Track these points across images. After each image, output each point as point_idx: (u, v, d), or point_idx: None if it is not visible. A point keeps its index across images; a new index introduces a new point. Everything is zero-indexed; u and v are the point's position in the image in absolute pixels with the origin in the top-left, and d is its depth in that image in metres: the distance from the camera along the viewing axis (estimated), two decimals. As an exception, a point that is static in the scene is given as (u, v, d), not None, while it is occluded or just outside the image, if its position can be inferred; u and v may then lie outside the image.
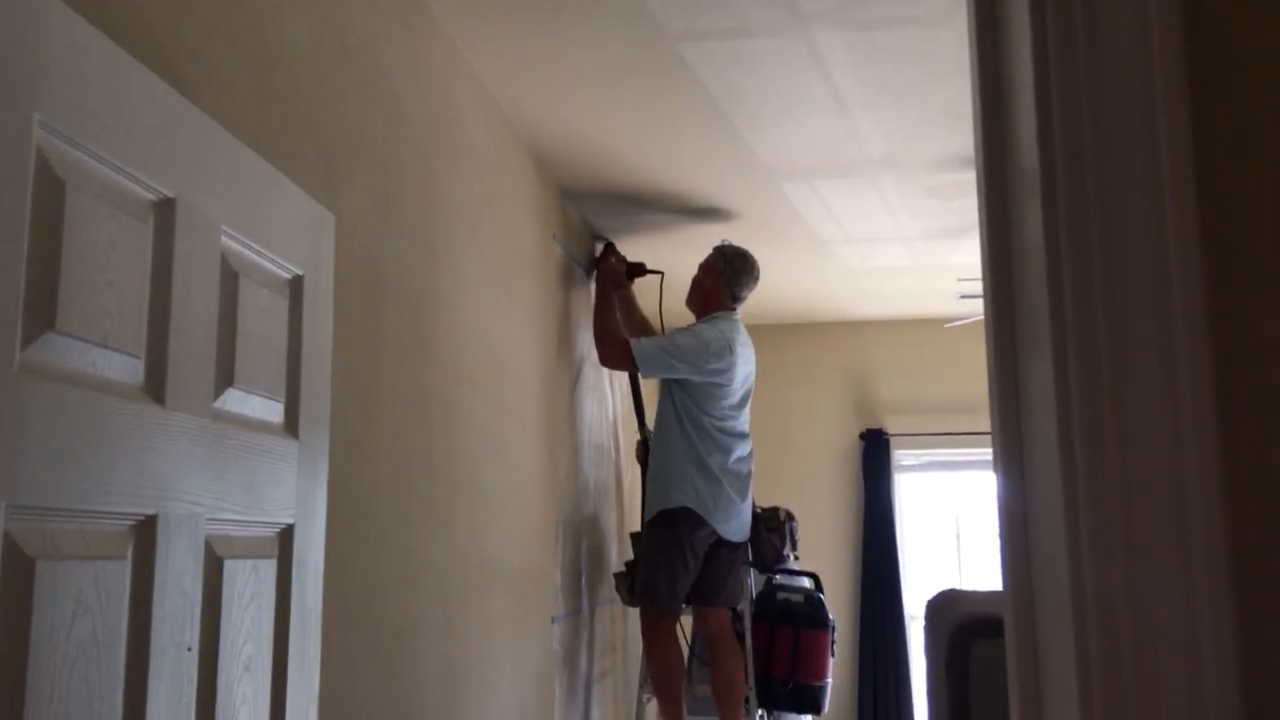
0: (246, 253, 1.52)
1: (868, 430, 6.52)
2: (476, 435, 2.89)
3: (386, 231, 2.30)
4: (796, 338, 6.50)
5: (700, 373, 3.83)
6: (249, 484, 1.49)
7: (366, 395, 2.15)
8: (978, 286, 4.08)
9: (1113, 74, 0.90)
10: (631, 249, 4.50)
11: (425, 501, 2.47)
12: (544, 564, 3.61)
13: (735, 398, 3.94)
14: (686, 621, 4.22)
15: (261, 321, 1.55)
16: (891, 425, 6.52)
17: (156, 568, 1.26)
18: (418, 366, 2.46)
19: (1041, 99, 0.92)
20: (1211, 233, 0.87)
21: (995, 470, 1.04)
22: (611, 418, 4.87)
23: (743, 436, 3.97)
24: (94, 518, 1.18)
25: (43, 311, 1.10)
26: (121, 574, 1.22)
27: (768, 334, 5.52)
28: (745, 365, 3.96)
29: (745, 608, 4.12)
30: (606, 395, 4.79)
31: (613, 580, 4.44)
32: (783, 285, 5.45)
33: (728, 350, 3.85)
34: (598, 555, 4.43)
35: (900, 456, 6.59)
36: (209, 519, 1.38)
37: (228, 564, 1.43)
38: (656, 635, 3.89)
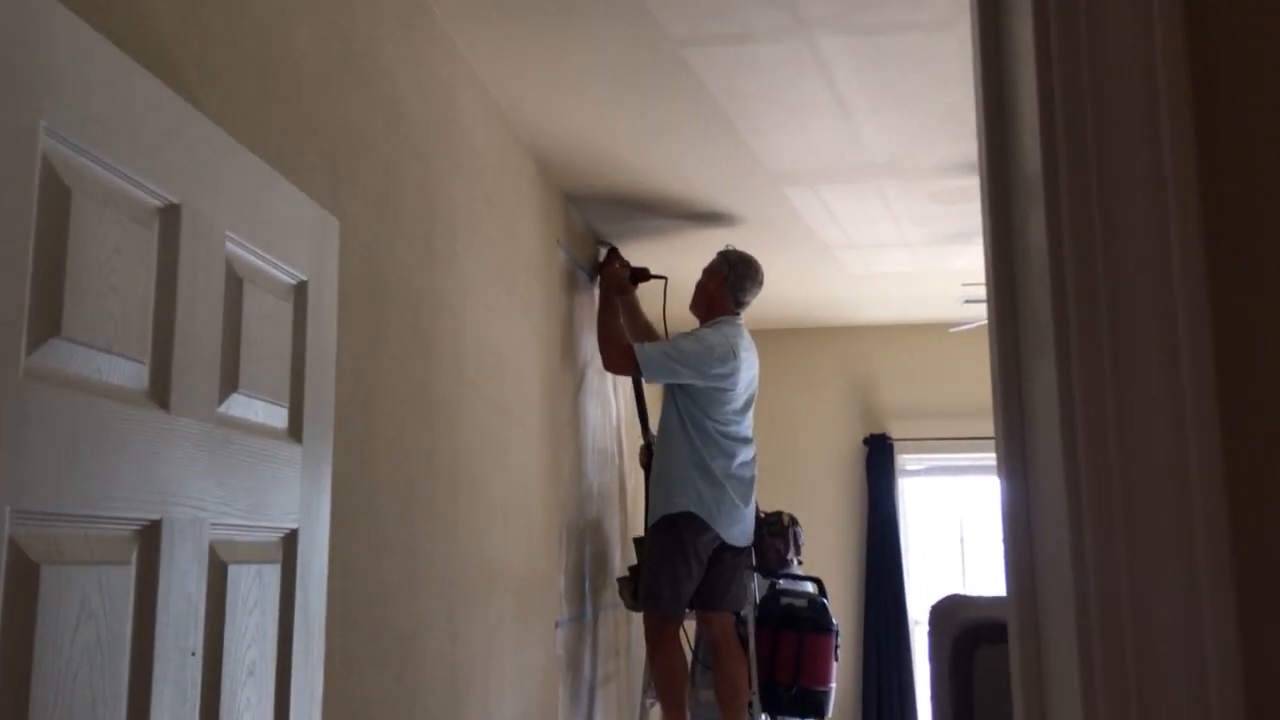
0: (251, 258, 1.52)
1: (871, 435, 6.51)
2: (479, 439, 2.89)
3: (389, 235, 2.31)
4: (800, 342, 6.50)
5: (704, 377, 3.83)
6: (253, 489, 1.50)
7: (369, 399, 2.15)
8: (981, 291, 4.08)
9: (1115, 78, 0.90)
10: (635, 254, 4.50)
11: (428, 505, 2.47)
12: (547, 568, 3.61)
13: (739, 402, 3.94)
14: (690, 626, 4.22)
15: (265, 327, 1.55)
16: (895, 430, 6.51)
17: (161, 573, 1.26)
18: (420, 370, 2.46)
19: (1044, 104, 0.92)
20: (1214, 235, 0.87)
21: (999, 474, 1.04)
22: (615, 422, 4.88)
23: (746, 441, 3.97)
24: (98, 523, 1.18)
25: (48, 317, 1.10)
26: (126, 579, 1.22)
27: (771, 339, 5.52)
28: (749, 370, 3.97)
29: (749, 612, 4.12)
30: (610, 400, 4.79)
31: (616, 585, 4.44)
32: (786, 290, 5.45)
33: (731, 355, 3.85)
34: (601, 560, 4.43)
35: (904, 461, 6.59)
36: (213, 524, 1.39)
37: (232, 569, 1.43)
38: (660, 640, 3.89)
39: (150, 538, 1.25)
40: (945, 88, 3.08)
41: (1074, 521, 0.87)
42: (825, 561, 5.87)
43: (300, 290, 1.68)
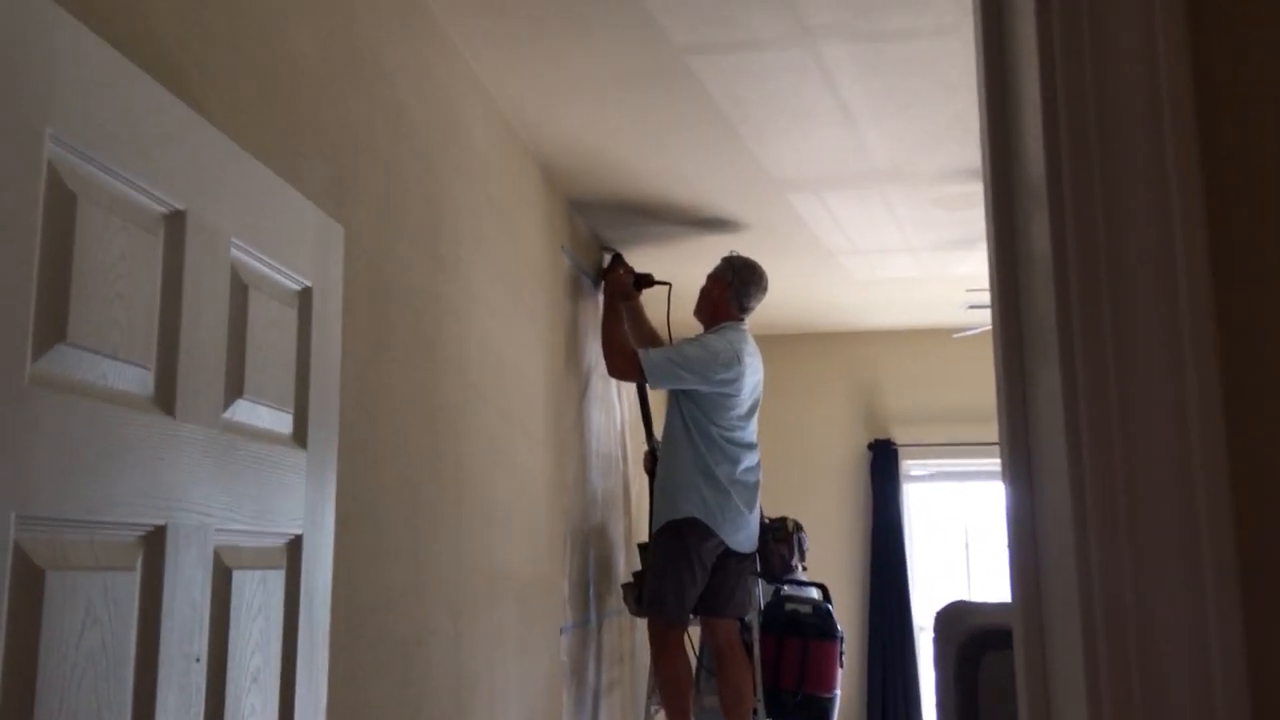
0: (256, 264, 1.52)
1: (876, 440, 6.51)
2: (484, 445, 2.89)
3: (393, 241, 2.31)
4: (804, 348, 6.50)
5: (708, 383, 3.84)
6: (258, 495, 1.50)
7: (374, 405, 2.15)
8: (985, 296, 4.08)
9: (1119, 83, 0.90)
10: (639, 260, 4.51)
11: (433, 511, 2.47)
12: (552, 574, 3.61)
13: (743, 408, 3.94)
14: (695, 632, 4.21)
15: (270, 333, 1.56)
16: (900, 435, 6.51)
17: (165, 578, 1.26)
18: (425, 376, 2.47)
19: (1048, 108, 0.92)
20: (1218, 239, 0.87)
21: (1003, 479, 1.04)
22: (619, 428, 4.88)
23: (750, 447, 3.97)
24: (103, 528, 1.18)
25: (54, 323, 1.10)
26: (130, 584, 1.22)
27: (776, 344, 5.52)
28: (753, 375, 3.96)
29: (753, 618, 4.11)
30: (614, 405, 4.79)
31: (620, 591, 4.44)
32: (790, 296, 5.45)
33: (736, 361, 3.85)
34: (605, 566, 4.43)
35: (909, 467, 6.58)
36: (218, 530, 1.39)
37: (236, 575, 1.43)
38: (664, 646, 3.88)
39: (155, 543, 1.26)
40: (948, 93, 3.08)
41: (1079, 526, 0.87)
42: (830, 567, 5.87)
43: (305, 296, 1.68)
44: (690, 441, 3.88)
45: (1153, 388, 0.86)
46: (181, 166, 1.33)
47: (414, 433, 2.37)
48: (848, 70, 2.94)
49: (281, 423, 1.60)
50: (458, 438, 2.68)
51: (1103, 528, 0.86)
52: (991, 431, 1.15)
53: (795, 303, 5.70)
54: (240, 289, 1.47)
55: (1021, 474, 1.01)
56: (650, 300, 4.40)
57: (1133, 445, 0.86)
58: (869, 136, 3.43)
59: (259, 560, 1.51)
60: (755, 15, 2.64)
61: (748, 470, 3.93)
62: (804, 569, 4.44)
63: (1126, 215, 0.88)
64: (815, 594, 4.32)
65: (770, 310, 4.63)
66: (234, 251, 1.45)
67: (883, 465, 6.45)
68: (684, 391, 3.92)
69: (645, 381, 4.03)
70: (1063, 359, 0.89)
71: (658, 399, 4.47)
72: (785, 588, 4.28)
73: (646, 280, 4.31)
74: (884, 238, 4.57)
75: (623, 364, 3.99)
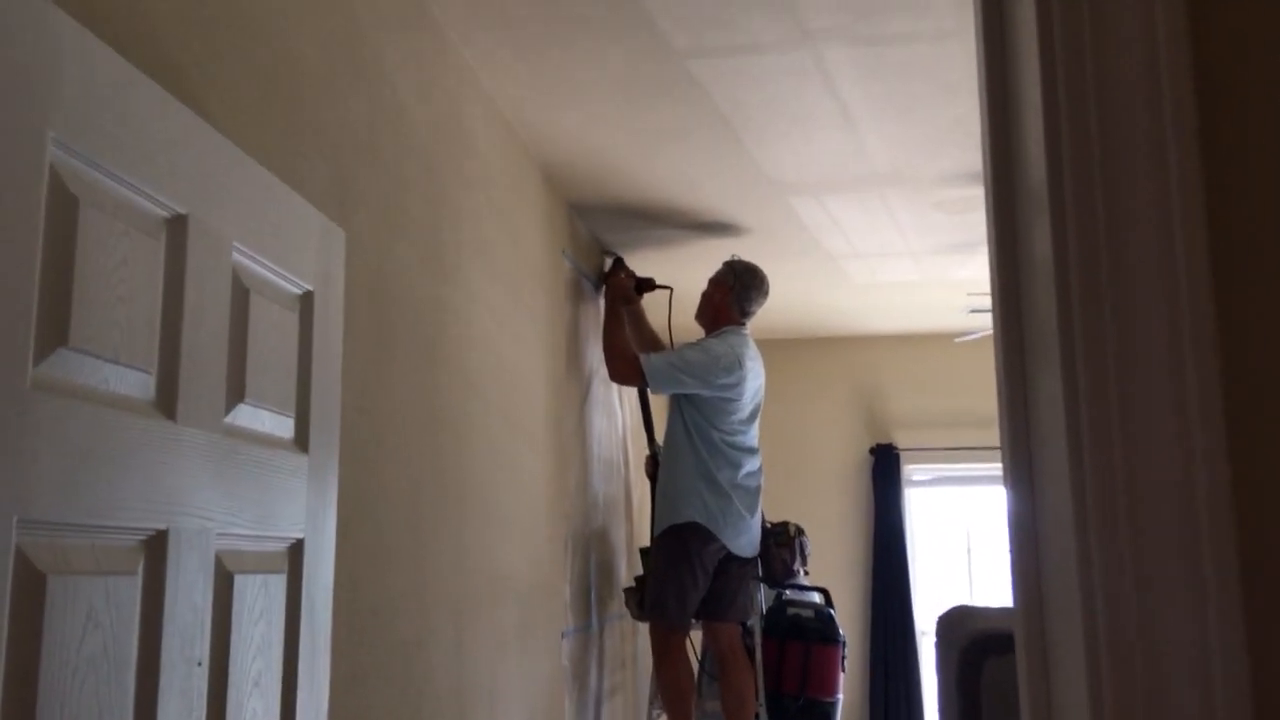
0: (257, 269, 1.52)
1: (878, 445, 6.51)
2: (486, 449, 2.89)
3: (394, 245, 2.31)
4: (806, 352, 6.50)
5: (710, 387, 3.83)
6: (259, 499, 1.50)
7: (376, 410, 2.15)
8: (986, 301, 4.08)
9: (1121, 88, 0.90)
10: (640, 264, 4.51)
11: (435, 516, 2.47)
12: (553, 579, 3.60)
13: (745, 413, 3.94)
14: (697, 637, 4.21)
15: (272, 337, 1.56)
16: (901, 440, 6.50)
17: (167, 583, 1.26)
18: (427, 381, 2.47)
19: (1049, 112, 0.92)
20: (1219, 243, 0.87)
21: (1005, 484, 1.04)
22: (621, 432, 4.87)
23: (752, 451, 3.97)
24: (105, 533, 1.18)
25: (55, 327, 1.10)
26: (132, 589, 1.22)
27: (777, 349, 5.52)
28: (755, 380, 3.96)
29: (755, 623, 4.11)
30: (616, 410, 4.79)
31: (622, 595, 4.43)
32: (792, 300, 5.45)
33: (737, 365, 3.85)
34: (607, 570, 4.42)
35: (910, 471, 6.58)
36: (219, 534, 1.39)
37: (238, 579, 1.43)
38: (666, 651, 3.88)
39: (157, 548, 1.26)
40: (949, 97, 3.08)
41: (1080, 530, 0.87)
42: (832, 572, 5.86)
43: (306, 300, 1.68)
44: (692, 446, 3.88)
45: (1154, 391, 0.86)
46: (183, 170, 1.33)
47: (415, 437, 2.37)
48: (848, 74, 2.94)
49: (283, 427, 1.60)
50: (459, 442, 2.68)
51: (1104, 531, 0.86)
52: (993, 436, 1.15)
53: (796, 307, 5.70)
54: (242, 293, 1.47)
55: (1023, 478, 1.01)
56: (651, 304, 4.40)
57: (1134, 449, 0.86)
58: (870, 140, 3.43)
59: (260, 564, 1.51)
60: (756, 19, 2.64)
61: (749, 475, 3.93)
62: (806, 573, 4.43)
63: (1128, 219, 0.88)
64: (817, 598, 4.31)
65: (771, 314, 4.63)
66: (235, 255, 1.46)
67: (884, 470, 6.45)
68: (685, 396, 3.91)
69: (646, 386, 4.03)
70: (1064, 363, 0.89)
71: (659, 403, 4.46)
72: (787, 592, 4.28)
73: (648, 284, 4.32)
74: (885, 241, 4.57)
75: (624, 368, 3.99)
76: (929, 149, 3.51)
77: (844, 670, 4.20)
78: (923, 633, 6.27)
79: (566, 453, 3.86)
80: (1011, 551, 1.03)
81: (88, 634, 1.13)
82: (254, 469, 1.48)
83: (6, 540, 1.02)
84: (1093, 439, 0.87)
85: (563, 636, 3.67)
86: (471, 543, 2.73)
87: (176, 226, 1.32)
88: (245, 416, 1.48)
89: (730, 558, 3.87)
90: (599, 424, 4.44)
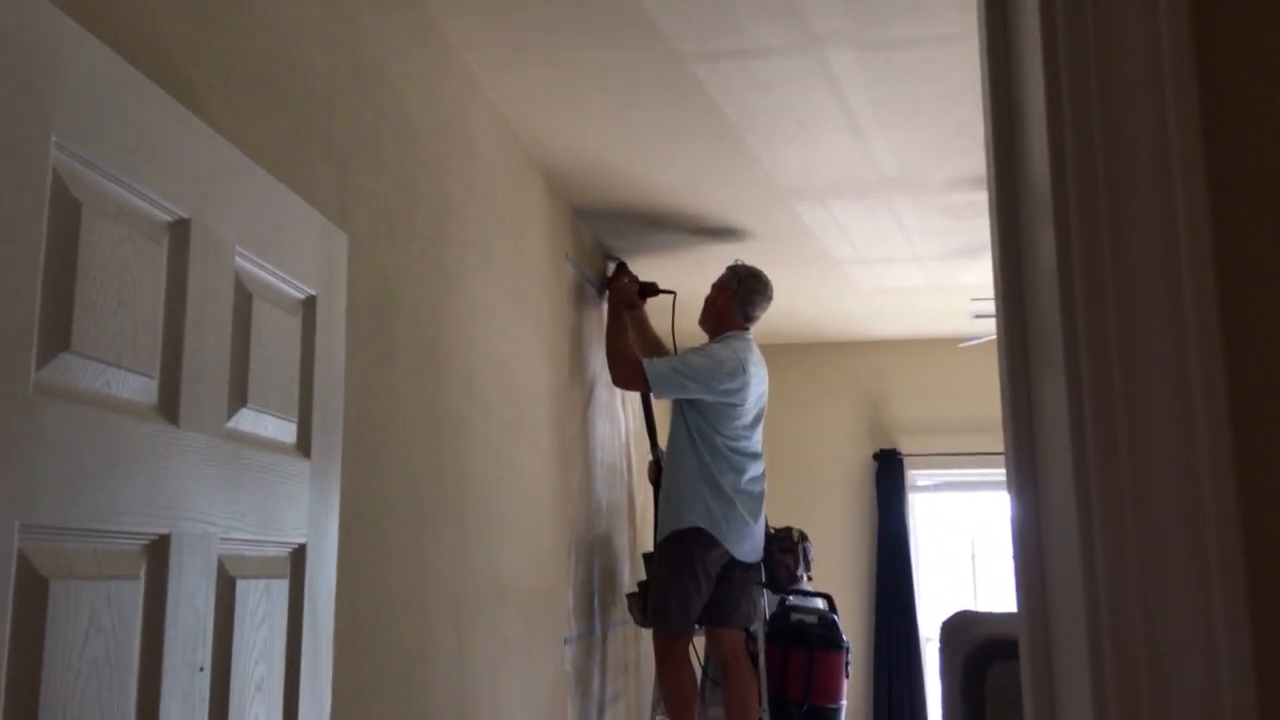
0: (260, 273, 1.52)
1: (882, 450, 6.50)
2: (489, 455, 2.89)
3: (398, 250, 2.31)
4: (810, 357, 6.49)
5: (713, 392, 3.83)
6: (261, 504, 1.50)
7: (378, 415, 2.15)
8: (991, 306, 4.07)
9: (1124, 91, 0.90)
10: (644, 269, 4.51)
11: (437, 521, 2.47)
12: (556, 585, 3.60)
13: (748, 418, 3.93)
14: (700, 643, 4.20)
15: (274, 341, 1.56)
16: (905, 445, 6.50)
17: (169, 587, 1.26)
18: (429, 385, 2.47)
19: (1053, 117, 0.92)
20: (1223, 249, 0.87)
21: (1009, 490, 1.04)
22: (624, 437, 4.87)
23: (755, 456, 3.96)
24: (107, 537, 1.18)
25: (58, 332, 1.10)
26: (134, 593, 1.22)
27: (781, 353, 5.52)
28: (758, 385, 3.96)
29: (758, 629, 4.10)
30: (619, 415, 4.79)
31: (625, 601, 4.43)
32: (796, 305, 5.45)
33: (741, 370, 3.85)
34: (610, 576, 4.42)
35: (914, 477, 6.57)
36: (222, 539, 1.39)
37: (240, 584, 1.43)
38: (669, 656, 3.87)
39: (159, 552, 1.26)
40: (955, 102, 3.08)
41: (1084, 535, 0.86)
42: (835, 578, 5.85)
43: (309, 305, 1.68)
44: (695, 451, 3.87)
45: (1158, 396, 0.85)
46: (186, 174, 1.33)
47: (418, 441, 2.37)
48: (854, 78, 2.94)
49: (285, 431, 1.60)
50: (462, 446, 2.67)
51: (1108, 537, 0.85)
52: (998, 442, 1.15)
53: (801, 312, 5.69)
54: (244, 297, 1.47)
55: (1027, 483, 1.01)
56: (655, 309, 4.40)
57: (1138, 454, 0.85)
58: (875, 145, 3.43)
59: (263, 569, 1.51)
60: (762, 24, 2.64)
61: (753, 480, 3.93)
62: (809, 579, 4.42)
63: (1131, 223, 0.88)
64: (820, 604, 4.31)
65: (775, 319, 4.63)
66: (238, 260, 1.46)
67: (888, 475, 6.44)
68: (689, 401, 3.91)
69: (650, 391, 4.03)
70: (1068, 368, 0.89)
71: (662, 408, 4.46)
72: (790, 598, 4.27)
73: (651, 289, 4.31)
74: (890, 247, 4.57)
75: (627, 373, 3.99)
76: (934, 154, 3.51)
77: (848, 676, 4.19)
78: (927, 639, 6.26)
79: (569, 458, 3.86)
80: (1015, 557, 1.02)
81: (90, 639, 1.13)
82: (256, 474, 1.48)
83: (9, 545, 1.02)
84: (1097, 444, 0.86)
85: (565, 642, 3.67)
86: (474, 548, 2.73)
87: (179, 230, 1.32)
88: (247, 421, 1.48)
89: (733, 563, 3.87)
90: (602, 429, 4.44)
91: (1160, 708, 0.82)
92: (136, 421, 1.22)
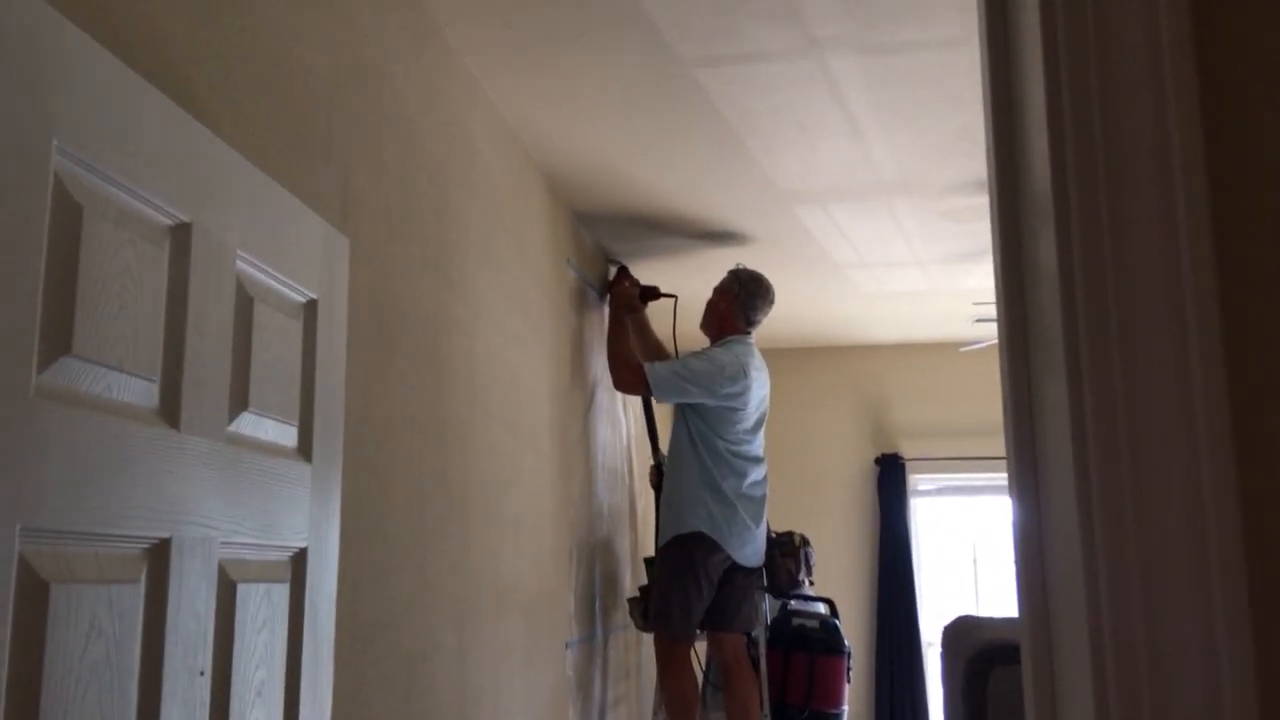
0: (261, 277, 1.52)
1: (883, 455, 6.49)
2: (490, 459, 2.89)
3: (399, 254, 2.31)
4: (811, 362, 6.49)
5: (714, 396, 3.83)
6: (262, 507, 1.50)
7: (380, 418, 2.15)
8: (992, 310, 4.08)
9: (1125, 96, 0.90)
10: (645, 273, 4.51)
11: (439, 525, 2.47)
12: (558, 589, 3.60)
13: (750, 422, 3.93)
14: (701, 647, 4.20)
15: (275, 345, 1.56)
16: (907, 450, 6.49)
17: (170, 591, 1.26)
18: (430, 389, 2.47)
19: (1053, 122, 0.92)
20: (1225, 251, 0.87)
21: (1010, 494, 1.04)
22: (625, 441, 4.87)
23: (757, 461, 3.96)
24: (108, 541, 1.18)
25: (59, 335, 1.10)
26: (135, 597, 1.22)
27: (782, 358, 5.52)
28: (760, 389, 3.96)
29: (760, 633, 4.09)
30: (620, 419, 4.79)
31: (627, 605, 4.42)
32: (797, 309, 5.45)
33: (742, 374, 3.85)
34: (612, 580, 4.42)
35: (916, 481, 6.56)
36: (223, 542, 1.38)
37: (241, 588, 1.43)
38: (670, 661, 3.86)
39: (160, 556, 1.25)
40: (956, 106, 3.08)
41: (1086, 539, 0.86)
42: (837, 582, 5.85)
43: (310, 309, 1.68)
44: (696, 455, 3.87)
45: (1159, 399, 0.85)
46: (187, 178, 1.33)
47: (419, 445, 2.37)
48: (855, 82, 2.95)
49: (286, 435, 1.60)
50: (463, 450, 2.67)
51: (1110, 541, 0.85)
52: (999, 446, 1.14)
53: (802, 316, 5.69)
54: (245, 301, 1.47)
55: (1028, 488, 1.01)
56: (656, 313, 4.39)
57: (1139, 457, 0.85)
58: (876, 148, 3.43)
59: (263, 573, 1.51)
60: (762, 28, 2.64)
61: (754, 484, 3.92)
62: (811, 583, 4.42)
63: (1132, 226, 0.88)
64: (822, 609, 4.30)
65: (777, 324, 4.62)
66: (239, 264, 1.46)
67: (890, 479, 6.43)
68: (690, 405, 3.91)
69: (651, 395, 4.02)
70: (1069, 372, 0.89)
71: (663, 413, 4.46)
72: (792, 602, 4.27)
73: (652, 293, 4.31)
74: (891, 251, 4.57)
75: (628, 377, 3.99)
76: (935, 157, 3.51)
77: (849, 681, 4.18)
78: (928, 643, 6.25)
79: (571, 462, 3.86)
80: (1017, 562, 1.02)
81: (90, 642, 1.13)
82: (257, 477, 1.48)
83: (10, 548, 1.02)
84: (1098, 448, 0.86)
85: (567, 646, 3.67)
86: (475, 552, 2.73)
87: (180, 234, 1.32)
88: (249, 425, 1.48)
89: (735, 568, 3.86)
90: (603, 433, 4.44)
91: (1161, 711, 0.82)
92: (138, 425, 1.22)
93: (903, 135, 3.32)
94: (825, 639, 4.13)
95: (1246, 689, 0.80)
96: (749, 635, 4.05)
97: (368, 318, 2.09)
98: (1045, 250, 0.95)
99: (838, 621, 4.24)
